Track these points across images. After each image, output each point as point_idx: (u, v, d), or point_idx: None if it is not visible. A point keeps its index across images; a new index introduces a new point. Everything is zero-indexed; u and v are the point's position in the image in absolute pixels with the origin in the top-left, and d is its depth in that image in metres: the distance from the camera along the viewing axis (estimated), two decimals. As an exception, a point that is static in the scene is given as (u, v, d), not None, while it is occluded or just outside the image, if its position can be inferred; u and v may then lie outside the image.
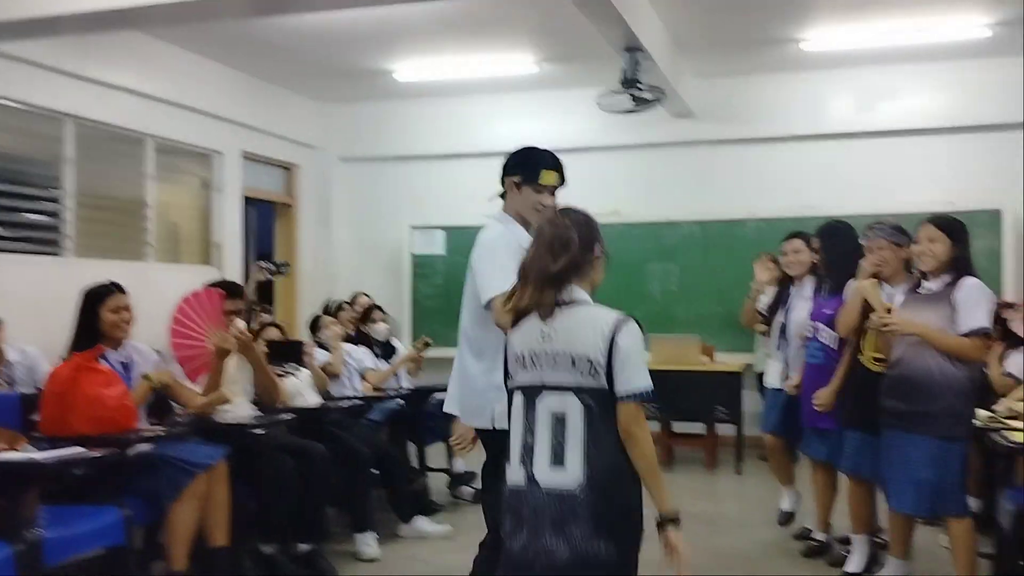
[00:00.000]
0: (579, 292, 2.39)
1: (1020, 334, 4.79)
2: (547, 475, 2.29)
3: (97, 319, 3.90)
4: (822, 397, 4.25)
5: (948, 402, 3.55)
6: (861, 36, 6.60)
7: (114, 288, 3.98)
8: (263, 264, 5.78)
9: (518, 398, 2.41)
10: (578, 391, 2.29)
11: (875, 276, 3.96)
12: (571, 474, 2.26)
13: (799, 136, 7.74)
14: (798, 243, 4.73)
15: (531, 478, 2.31)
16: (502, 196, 3.29)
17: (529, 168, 3.21)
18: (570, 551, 2.23)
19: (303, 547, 4.26)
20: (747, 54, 7.17)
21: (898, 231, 4.00)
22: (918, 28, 6.40)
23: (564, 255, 2.37)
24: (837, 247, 4.36)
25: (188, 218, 7.39)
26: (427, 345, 5.89)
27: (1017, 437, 3.47)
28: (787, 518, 4.94)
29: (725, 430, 7.00)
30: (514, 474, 2.37)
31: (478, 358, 3.08)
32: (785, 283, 4.87)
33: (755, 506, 5.73)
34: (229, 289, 4.37)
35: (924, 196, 7.02)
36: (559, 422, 2.30)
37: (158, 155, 6.87)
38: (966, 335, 3.52)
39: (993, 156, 7.26)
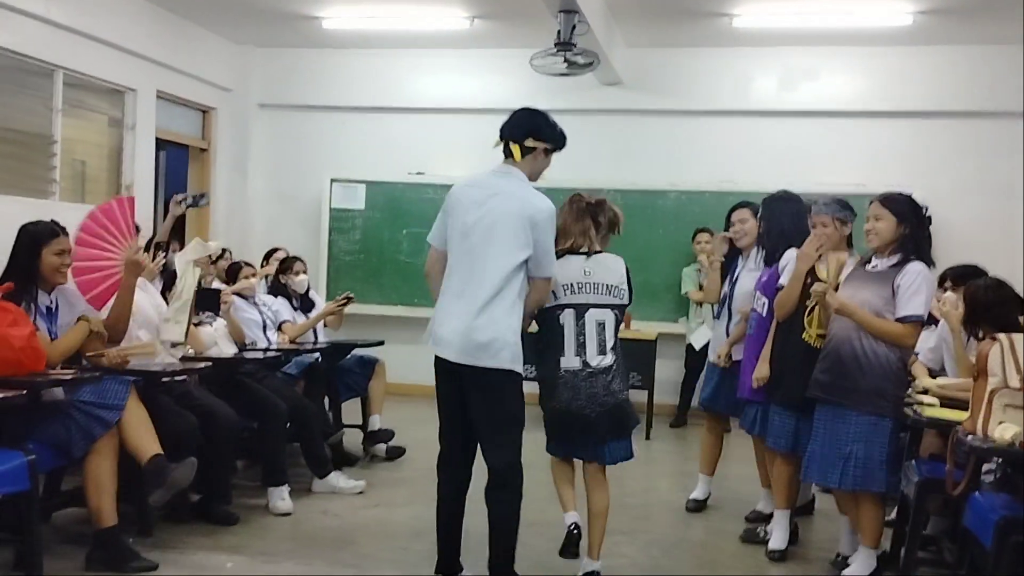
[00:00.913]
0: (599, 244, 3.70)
1: (935, 314, 4.94)
2: (596, 359, 3.53)
3: (38, 260, 3.70)
4: (759, 371, 4.22)
5: (876, 381, 3.61)
6: (789, 15, 6.74)
7: (58, 230, 3.78)
8: (180, 197, 5.58)
9: (569, 313, 3.56)
10: (611, 307, 3.60)
11: (819, 252, 3.99)
12: (610, 357, 3.55)
13: (723, 111, 7.87)
14: (745, 212, 4.68)
15: (585, 363, 3.52)
16: (510, 155, 3.46)
17: (558, 137, 3.56)
18: (614, 398, 3.54)
19: (193, 496, 4.24)
20: (679, 26, 7.23)
21: (842, 206, 4.02)
22: (845, 11, 6.57)
23: (600, 223, 3.73)
24: (777, 217, 4.33)
25: (97, 156, 7.09)
26: (349, 300, 5.81)
27: (928, 412, 3.60)
28: (696, 505, 4.89)
29: (637, 396, 7.12)
30: (570, 362, 3.53)
31: (516, 308, 3.40)
32: (731, 255, 4.85)
33: (661, 471, 5.90)
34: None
35: (839, 177, 7.25)
36: (601, 327, 3.56)
37: (67, 89, 6.55)
38: (900, 320, 3.58)
39: (907, 142, 7.54)
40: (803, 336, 4.04)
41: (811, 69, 7.69)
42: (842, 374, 3.68)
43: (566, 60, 6.21)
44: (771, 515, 4.42)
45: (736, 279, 4.71)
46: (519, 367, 3.35)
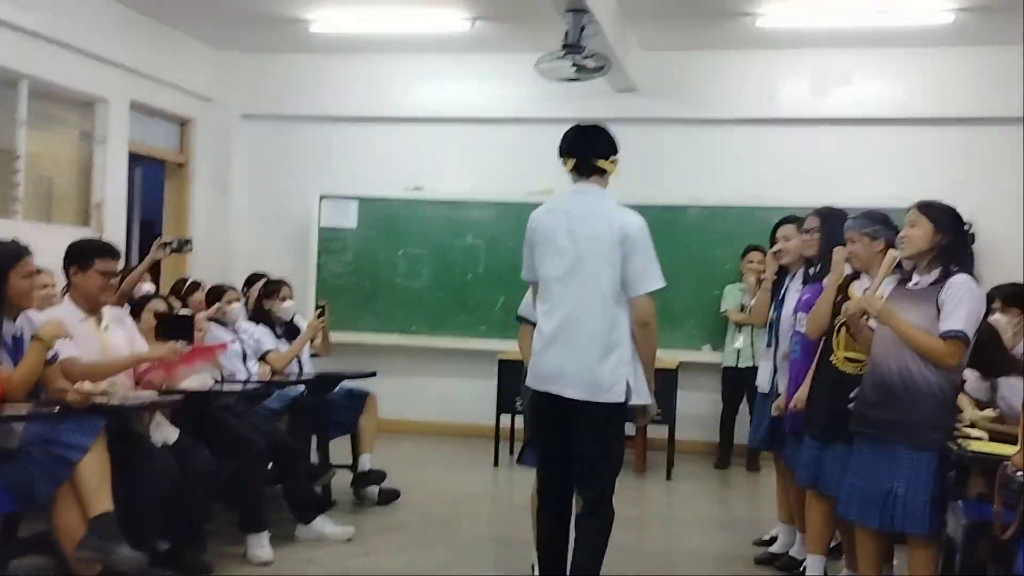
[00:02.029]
0: None
1: None
2: None
3: (4, 285, 3.69)
4: (798, 396, 4.21)
5: (926, 411, 3.56)
6: (819, 14, 6.75)
7: (22, 250, 3.78)
8: (163, 240, 5.64)
9: None
10: None
11: (852, 271, 4.01)
12: None
13: (748, 119, 7.88)
14: (789, 229, 4.69)
15: None
16: (590, 173, 3.65)
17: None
18: None
19: (162, 544, 4.20)
20: (698, 27, 7.25)
21: (872, 221, 3.99)
22: (879, 9, 6.57)
23: None
24: (833, 233, 4.24)
25: (65, 172, 7.13)
26: (324, 310, 5.79)
27: (974, 446, 3.55)
28: (770, 558, 4.78)
29: (657, 431, 7.10)
30: None
31: (625, 338, 3.57)
32: (780, 276, 4.85)
33: (686, 513, 5.84)
34: (107, 251, 4.23)
35: (876, 190, 7.19)
36: None
37: (33, 99, 6.60)
38: (941, 336, 3.52)
39: (950, 151, 7.53)
40: (831, 359, 4.03)
41: (843, 72, 7.70)
42: (888, 404, 3.62)
43: (575, 64, 6.22)
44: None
45: (782, 301, 4.68)
46: (627, 399, 3.55)
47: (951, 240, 3.65)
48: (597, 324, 3.51)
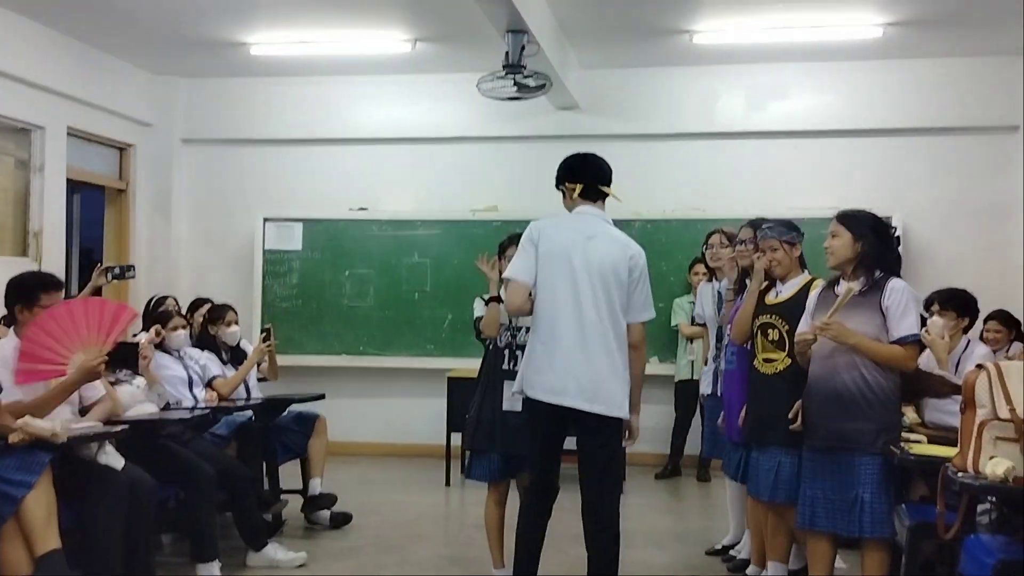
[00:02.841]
0: None
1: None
2: None
3: None
4: (743, 417, 4.32)
5: (882, 416, 3.67)
6: (754, 31, 6.87)
7: None
8: (104, 267, 5.55)
9: None
10: None
11: (769, 277, 4.15)
12: None
13: (688, 134, 7.99)
14: (716, 237, 4.98)
15: None
16: (596, 198, 3.86)
17: None
18: None
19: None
20: (636, 45, 7.34)
21: (788, 228, 4.16)
22: (812, 24, 6.72)
23: None
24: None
25: (2, 201, 6.97)
26: (269, 333, 5.74)
27: (916, 450, 3.63)
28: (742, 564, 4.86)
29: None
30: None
31: (625, 355, 3.71)
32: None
33: (638, 525, 5.86)
34: (51, 284, 4.16)
35: (813, 200, 7.34)
36: None
37: (-37, 126, 6.49)
38: (897, 342, 3.65)
39: (883, 161, 7.71)
40: (754, 363, 4.16)
41: (779, 87, 7.85)
42: (848, 414, 3.70)
43: (516, 83, 6.26)
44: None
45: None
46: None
47: (872, 246, 3.76)
48: (613, 342, 3.65)
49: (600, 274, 3.65)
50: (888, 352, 3.66)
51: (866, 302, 3.72)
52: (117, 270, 5.67)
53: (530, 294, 3.73)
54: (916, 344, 3.70)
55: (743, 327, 4.26)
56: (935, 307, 4.94)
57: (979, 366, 3.18)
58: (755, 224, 4.50)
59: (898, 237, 4.02)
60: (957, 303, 4.89)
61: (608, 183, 3.89)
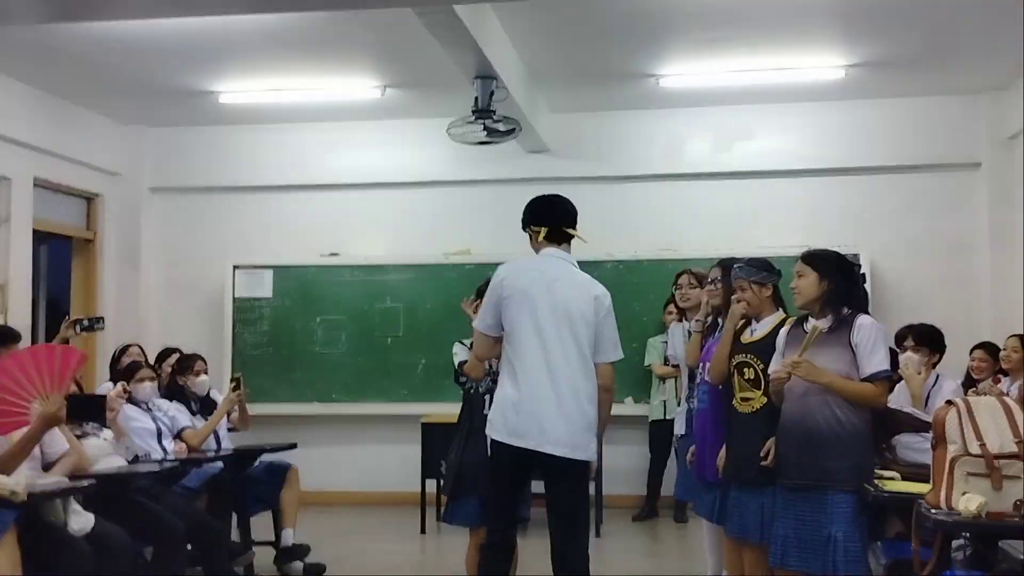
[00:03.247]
0: None
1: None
2: None
3: None
4: (721, 456, 4.27)
5: (855, 453, 3.65)
6: (719, 74, 6.98)
7: None
8: (72, 319, 5.51)
9: None
10: None
11: (744, 316, 4.15)
12: None
13: (657, 175, 8.07)
14: (685, 278, 4.98)
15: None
16: (561, 240, 3.86)
17: None
18: None
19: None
20: (604, 89, 7.44)
21: (759, 268, 4.15)
22: (775, 67, 6.84)
23: None
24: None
25: (-35, 254, 6.92)
26: (239, 382, 5.69)
27: (890, 486, 3.63)
28: None
29: (583, 489, 7.10)
30: None
31: (595, 398, 3.69)
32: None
33: (617, 569, 5.83)
34: (10, 336, 4.11)
35: (781, 239, 7.40)
36: None
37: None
38: (868, 379, 3.64)
39: (849, 199, 7.82)
40: (733, 403, 4.15)
41: (745, 128, 7.96)
42: (821, 453, 3.68)
43: (485, 128, 6.31)
44: None
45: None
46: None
47: (837, 284, 3.78)
48: (581, 384, 3.66)
49: (566, 316, 3.65)
50: (859, 389, 3.67)
51: (835, 340, 3.73)
52: (86, 322, 5.62)
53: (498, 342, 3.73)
54: (887, 380, 3.71)
55: (720, 367, 4.24)
56: (909, 342, 4.98)
57: (949, 402, 3.21)
58: (724, 264, 4.52)
59: (863, 274, 4.01)
60: (930, 339, 4.93)
61: (573, 225, 3.88)
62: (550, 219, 3.85)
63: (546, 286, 3.68)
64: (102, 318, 6.01)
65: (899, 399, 4.62)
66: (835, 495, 3.66)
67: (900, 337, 5.26)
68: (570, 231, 3.87)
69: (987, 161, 7.60)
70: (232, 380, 5.82)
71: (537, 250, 3.87)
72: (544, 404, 3.60)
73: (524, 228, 3.92)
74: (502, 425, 3.65)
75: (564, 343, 3.64)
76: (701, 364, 4.55)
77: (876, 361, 3.64)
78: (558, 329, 3.64)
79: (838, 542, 3.64)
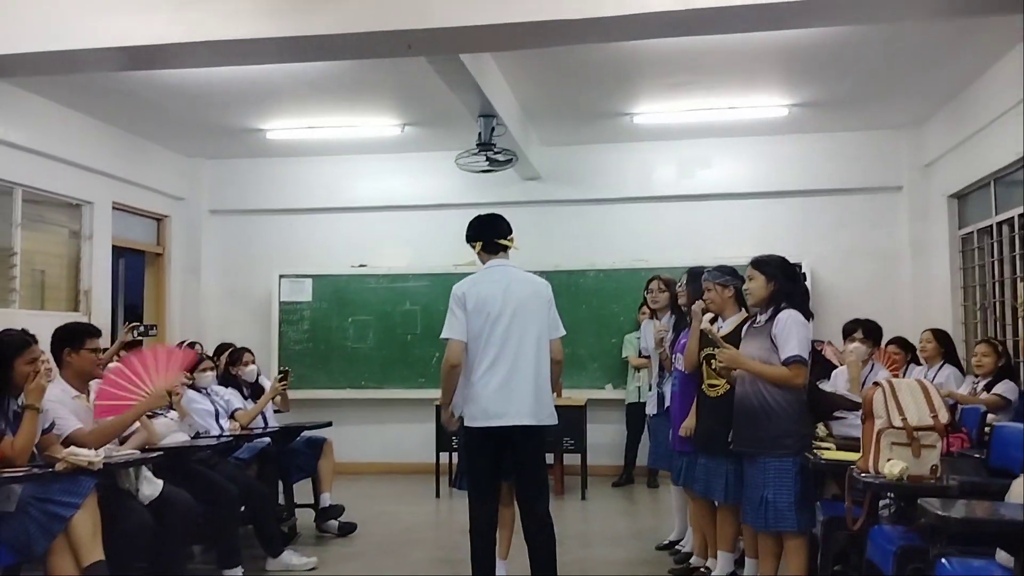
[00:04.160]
0: None
1: (835, 362, 5.07)
2: None
3: (10, 371, 3.53)
4: (686, 423, 4.30)
5: (780, 427, 3.62)
6: (682, 112, 6.96)
7: (29, 339, 3.63)
8: (132, 324, 5.51)
9: None
10: None
11: (708, 312, 4.13)
12: None
13: (630, 198, 8.04)
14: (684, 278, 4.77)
15: None
16: (497, 250, 3.84)
17: None
18: None
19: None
20: (587, 125, 7.43)
21: (722, 272, 4.14)
22: (729, 106, 6.82)
23: None
24: (698, 288, 4.35)
25: (57, 266, 6.90)
26: (286, 375, 5.68)
27: (827, 455, 3.60)
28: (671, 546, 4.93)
29: (571, 459, 7.10)
30: None
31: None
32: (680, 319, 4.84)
33: (599, 527, 5.81)
34: (94, 331, 4.10)
35: (734, 251, 7.30)
36: None
37: (27, 204, 6.42)
38: (784, 363, 3.61)
39: (791, 217, 7.79)
40: (703, 387, 4.14)
41: (704, 158, 7.94)
42: (754, 425, 3.69)
43: (487, 158, 6.31)
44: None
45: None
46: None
47: (781, 284, 3.76)
48: (543, 362, 3.69)
49: (524, 310, 3.66)
50: (774, 372, 3.62)
51: (762, 332, 3.73)
52: (141, 328, 5.64)
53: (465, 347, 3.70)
54: (799, 363, 3.59)
55: (691, 358, 4.24)
56: (859, 335, 4.94)
57: (876, 383, 3.20)
58: (691, 271, 4.51)
59: (804, 274, 3.98)
60: (875, 333, 4.91)
61: (504, 236, 3.82)
62: (482, 235, 3.83)
63: (502, 291, 3.67)
64: (155, 325, 6.03)
65: (838, 383, 4.62)
66: (767, 460, 3.66)
67: (848, 330, 5.23)
68: (502, 242, 3.82)
69: (907, 185, 7.58)
70: (280, 372, 5.80)
71: (483, 261, 3.84)
72: (513, 386, 3.61)
73: (468, 243, 3.88)
74: (481, 412, 3.63)
75: (524, 333, 3.65)
76: (674, 355, 4.54)
77: (789, 347, 3.59)
78: (518, 323, 3.65)
79: (768, 501, 3.64)
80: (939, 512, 2.39)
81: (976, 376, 5.02)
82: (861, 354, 4.58)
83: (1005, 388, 4.78)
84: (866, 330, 4.97)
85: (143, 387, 3.99)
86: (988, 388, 4.85)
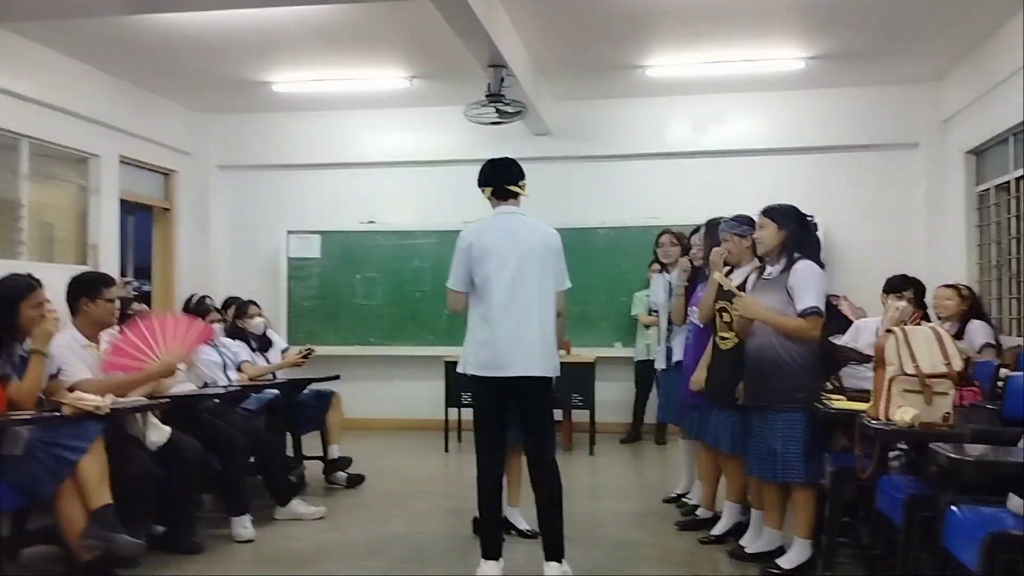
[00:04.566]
0: None
1: (850, 317, 5.02)
2: None
3: (16, 315, 3.54)
4: (695, 376, 4.26)
5: (792, 380, 3.58)
6: (697, 65, 6.84)
7: (34, 283, 3.63)
8: (126, 280, 5.54)
9: None
10: None
11: (726, 264, 4.07)
12: None
13: (643, 154, 7.95)
14: (696, 238, 4.67)
15: None
16: (507, 196, 3.70)
17: None
18: None
19: (158, 529, 4.08)
20: (599, 78, 7.31)
21: (739, 222, 4.08)
22: (745, 59, 6.69)
23: None
24: (716, 239, 4.27)
25: (64, 219, 6.89)
26: (311, 352, 5.69)
27: (836, 404, 3.56)
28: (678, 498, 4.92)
29: (579, 416, 7.11)
30: None
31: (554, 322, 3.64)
32: (693, 278, 4.74)
33: (606, 481, 5.82)
34: (111, 281, 4.10)
35: (748, 209, 7.21)
36: None
37: (33, 157, 6.39)
38: (800, 315, 3.56)
39: (806, 174, 7.68)
40: (715, 339, 4.10)
41: (718, 114, 7.82)
42: (762, 378, 3.66)
43: (497, 110, 6.22)
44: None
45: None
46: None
47: (793, 233, 3.69)
48: (548, 313, 3.60)
49: (530, 259, 3.57)
50: (792, 323, 3.57)
51: (778, 283, 3.67)
52: (136, 283, 5.64)
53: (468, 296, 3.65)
54: (815, 315, 3.55)
55: (706, 311, 4.17)
56: (909, 294, 4.83)
57: (888, 330, 3.15)
58: (710, 224, 4.43)
59: (815, 223, 3.90)
60: (922, 295, 4.79)
61: (515, 182, 3.69)
62: (492, 180, 3.71)
63: (509, 238, 3.58)
64: (142, 284, 5.99)
65: (859, 337, 4.51)
66: (776, 414, 3.63)
67: (896, 285, 5.06)
68: (513, 188, 3.69)
69: (924, 142, 7.46)
70: (305, 350, 5.77)
71: (494, 207, 3.73)
72: (521, 336, 3.52)
73: (480, 187, 3.79)
74: (487, 362, 3.55)
75: (529, 282, 3.56)
76: (689, 308, 4.48)
77: (807, 299, 3.54)
78: (524, 271, 3.55)
79: (777, 453, 3.62)
80: (951, 455, 2.35)
81: (940, 319, 5.01)
82: (906, 314, 4.44)
83: (976, 330, 4.83)
84: (918, 291, 4.86)
85: (156, 352, 4.01)
86: (957, 334, 4.84)
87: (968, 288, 5.29)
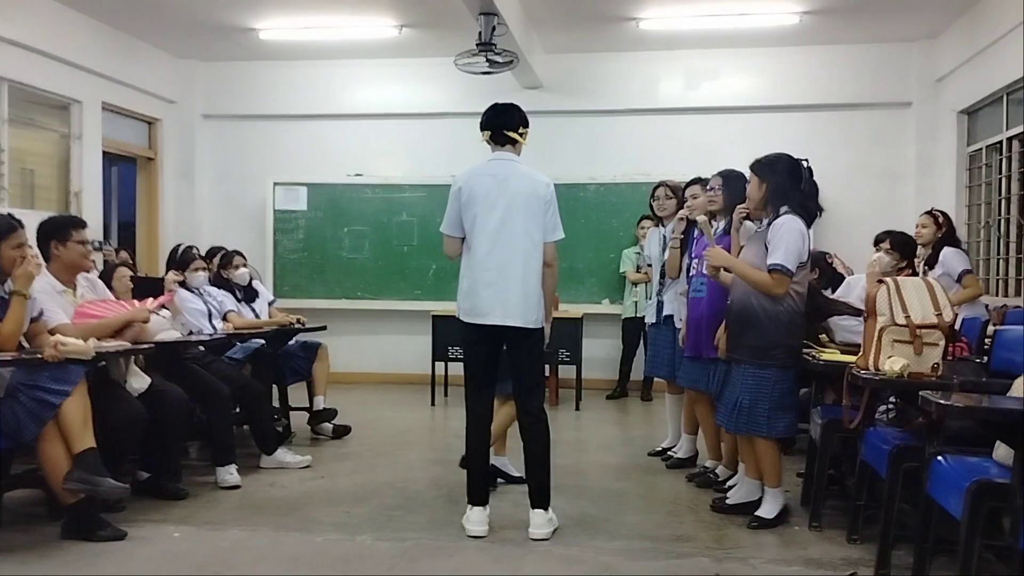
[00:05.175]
0: None
1: (844, 273, 5.02)
2: None
3: None
4: (720, 335, 4.05)
5: (766, 336, 3.54)
6: (690, 18, 6.74)
7: (15, 223, 3.55)
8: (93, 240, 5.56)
9: None
10: None
11: (708, 214, 4.06)
12: None
13: (634, 110, 7.86)
14: (696, 188, 4.59)
15: None
16: (504, 142, 3.64)
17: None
18: None
19: (142, 475, 4.06)
20: (591, 31, 7.19)
21: (727, 177, 4.05)
22: (738, 13, 6.59)
23: None
24: (733, 191, 4.21)
25: (46, 165, 6.76)
26: (300, 323, 5.64)
27: (825, 357, 3.56)
28: (678, 462, 4.81)
29: (565, 372, 7.11)
30: None
31: (540, 274, 3.59)
32: (687, 231, 4.66)
33: (592, 435, 5.84)
34: (79, 223, 4.02)
35: (739, 166, 7.22)
36: None
37: (15, 101, 6.24)
38: (768, 271, 3.51)
39: (799, 132, 7.55)
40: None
41: (711, 69, 7.73)
42: (740, 331, 3.65)
43: (487, 59, 6.11)
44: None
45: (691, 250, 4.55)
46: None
47: (775, 184, 3.62)
48: (533, 264, 3.55)
49: (519, 206, 3.51)
50: (756, 276, 3.53)
51: (760, 237, 3.64)
52: (96, 243, 5.66)
53: (463, 240, 3.61)
54: (781, 272, 3.48)
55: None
56: (885, 245, 4.75)
57: (880, 281, 3.14)
58: (724, 174, 4.34)
59: (809, 169, 3.77)
60: (903, 246, 4.70)
61: (513, 128, 3.63)
62: (490, 125, 3.64)
63: (498, 184, 3.52)
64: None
65: (850, 292, 4.48)
66: (746, 368, 3.62)
67: (879, 239, 5.04)
68: (510, 134, 3.62)
69: (916, 101, 7.41)
70: (298, 320, 5.71)
71: (493, 152, 3.66)
72: (502, 284, 3.50)
73: (480, 130, 3.70)
74: (472, 308, 3.55)
75: (515, 231, 3.51)
76: (696, 259, 4.39)
77: (776, 256, 3.48)
78: (511, 220, 3.51)
79: (743, 407, 3.61)
80: (940, 401, 2.34)
81: (921, 246, 5.11)
82: (884, 265, 4.40)
83: (951, 257, 4.93)
84: (894, 241, 4.80)
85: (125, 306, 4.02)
86: (929, 261, 5.00)
87: (944, 214, 5.30)
